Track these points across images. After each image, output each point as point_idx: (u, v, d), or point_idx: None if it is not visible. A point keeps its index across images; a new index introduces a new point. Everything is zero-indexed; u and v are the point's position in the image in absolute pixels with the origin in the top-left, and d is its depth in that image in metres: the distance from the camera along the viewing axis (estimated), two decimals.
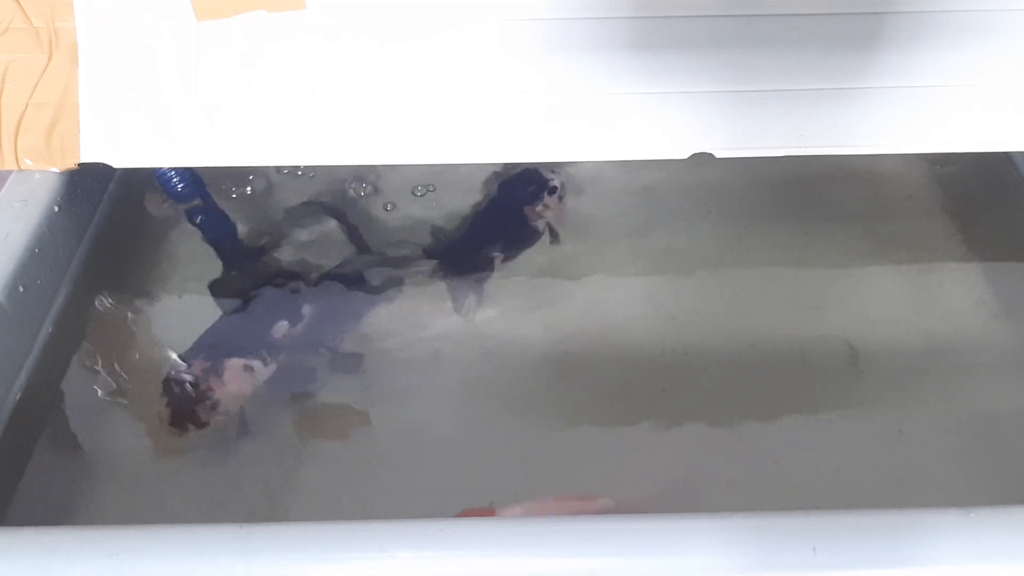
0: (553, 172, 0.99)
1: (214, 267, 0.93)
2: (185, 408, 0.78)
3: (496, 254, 0.94)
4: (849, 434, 0.78)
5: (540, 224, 0.97)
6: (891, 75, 0.79)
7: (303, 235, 0.97)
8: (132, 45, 0.77)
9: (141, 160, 0.81)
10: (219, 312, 0.89)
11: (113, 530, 0.56)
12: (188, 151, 0.81)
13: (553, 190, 0.98)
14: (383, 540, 0.55)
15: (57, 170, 0.82)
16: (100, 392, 0.81)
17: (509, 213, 0.98)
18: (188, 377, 0.79)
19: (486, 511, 0.70)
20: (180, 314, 0.89)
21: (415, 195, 1.00)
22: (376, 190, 1.01)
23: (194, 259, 0.95)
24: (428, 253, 0.94)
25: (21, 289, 0.77)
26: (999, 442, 0.77)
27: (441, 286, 0.91)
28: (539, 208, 0.97)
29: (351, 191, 1.00)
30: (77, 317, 0.85)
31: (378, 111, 0.80)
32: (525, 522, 0.59)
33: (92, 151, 0.80)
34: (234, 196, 1.00)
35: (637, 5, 0.76)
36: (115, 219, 0.94)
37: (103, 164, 0.81)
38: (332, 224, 0.98)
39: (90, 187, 0.91)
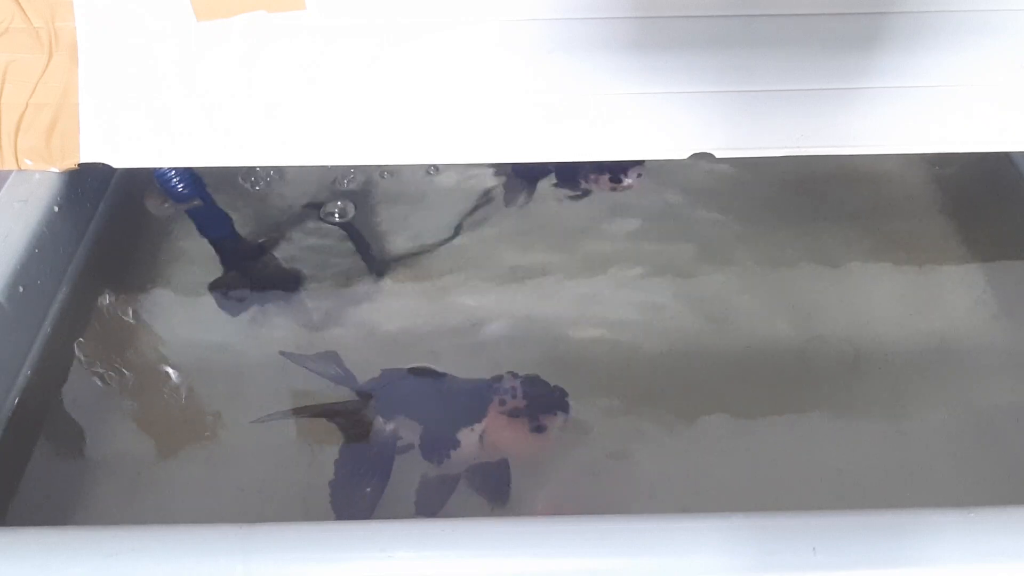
0: (638, 171, 1.01)
1: (214, 267, 0.93)
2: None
3: (551, 176, 1.00)
4: (849, 434, 0.78)
5: (584, 184, 1.00)
6: (891, 75, 0.79)
7: (303, 235, 0.97)
8: (132, 45, 0.77)
9: (141, 160, 0.81)
10: (219, 312, 0.89)
11: (113, 530, 0.56)
12: (188, 151, 0.81)
13: (617, 179, 1.00)
14: (383, 540, 0.55)
15: (57, 170, 0.82)
16: (99, 392, 0.81)
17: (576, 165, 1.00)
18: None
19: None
20: (180, 314, 0.89)
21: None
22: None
23: (194, 259, 0.95)
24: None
25: (21, 289, 0.77)
26: (999, 442, 0.77)
27: (440, 284, 0.91)
28: (594, 176, 1.00)
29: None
30: (77, 317, 0.85)
31: (378, 111, 0.80)
32: (525, 522, 0.59)
33: (92, 151, 0.80)
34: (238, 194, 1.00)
35: (637, 5, 0.76)
36: (115, 219, 0.94)
37: (103, 164, 0.81)
38: (332, 225, 0.98)
39: (90, 187, 0.92)
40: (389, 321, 0.88)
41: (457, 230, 0.98)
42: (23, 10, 0.77)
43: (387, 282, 0.92)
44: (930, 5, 0.76)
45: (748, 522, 0.56)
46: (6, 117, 0.79)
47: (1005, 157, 1.00)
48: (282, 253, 0.95)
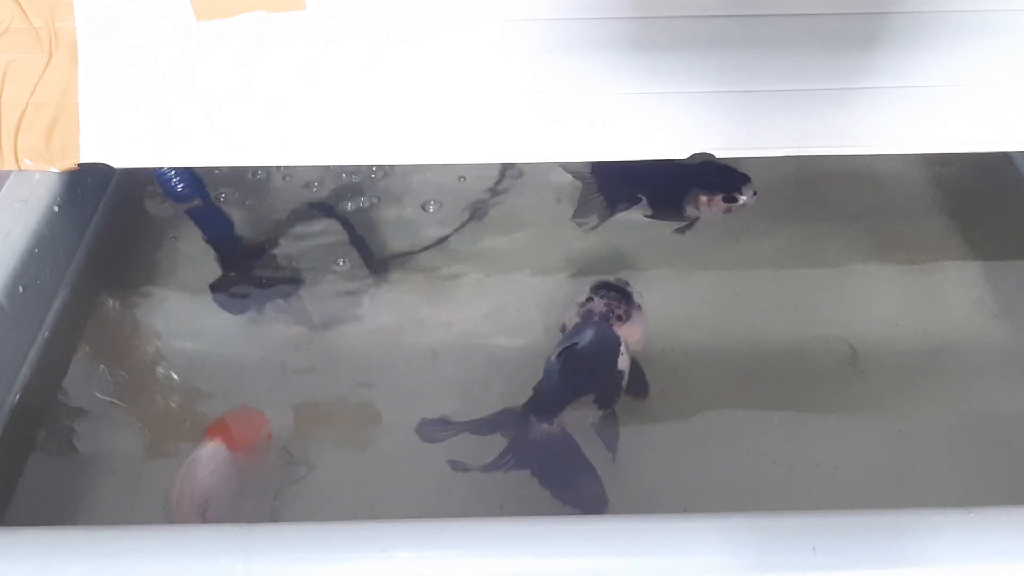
0: (753, 189, 0.91)
1: (214, 267, 0.93)
2: None
3: (641, 197, 0.94)
4: (849, 434, 0.78)
5: (690, 209, 0.92)
6: (891, 75, 0.79)
7: (303, 235, 0.97)
8: (132, 45, 0.77)
9: (141, 160, 0.81)
10: (219, 312, 0.89)
11: (113, 530, 0.56)
12: (188, 151, 0.81)
13: (732, 198, 0.90)
14: (383, 540, 0.55)
15: (57, 170, 0.82)
16: (100, 392, 0.81)
17: (674, 179, 0.91)
18: None
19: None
20: (180, 314, 0.89)
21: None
22: None
23: (194, 259, 0.95)
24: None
25: (21, 289, 0.77)
26: (999, 442, 0.77)
27: (439, 282, 0.91)
28: (705, 198, 0.90)
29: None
30: (77, 317, 0.85)
31: (378, 111, 0.80)
32: (525, 522, 0.59)
33: (92, 151, 0.80)
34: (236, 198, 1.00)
35: (637, 5, 0.76)
36: (115, 219, 0.94)
37: (103, 164, 0.81)
38: (332, 225, 0.98)
39: (90, 187, 0.92)
40: (389, 320, 0.88)
41: (457, 229, 0.98)
42: (23, 10, 0.77)
43: (386, 281, 0.92)
44: (930, 5, 0.76)
45: (748, 522, 0.56)
46: (6, 117, 0.79)
47: (1005, 157, 1.00)
48: (282, 253, 0.95)
